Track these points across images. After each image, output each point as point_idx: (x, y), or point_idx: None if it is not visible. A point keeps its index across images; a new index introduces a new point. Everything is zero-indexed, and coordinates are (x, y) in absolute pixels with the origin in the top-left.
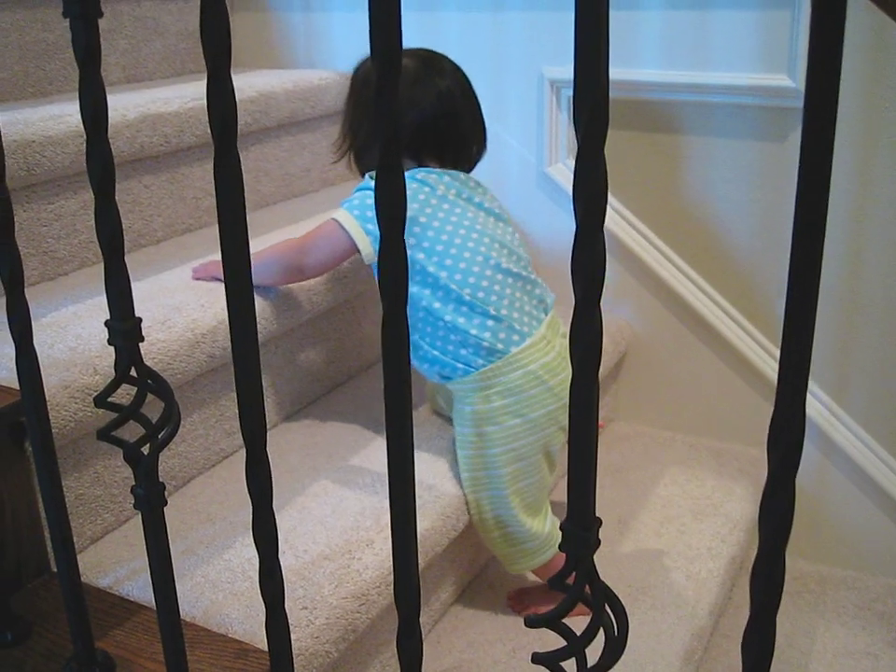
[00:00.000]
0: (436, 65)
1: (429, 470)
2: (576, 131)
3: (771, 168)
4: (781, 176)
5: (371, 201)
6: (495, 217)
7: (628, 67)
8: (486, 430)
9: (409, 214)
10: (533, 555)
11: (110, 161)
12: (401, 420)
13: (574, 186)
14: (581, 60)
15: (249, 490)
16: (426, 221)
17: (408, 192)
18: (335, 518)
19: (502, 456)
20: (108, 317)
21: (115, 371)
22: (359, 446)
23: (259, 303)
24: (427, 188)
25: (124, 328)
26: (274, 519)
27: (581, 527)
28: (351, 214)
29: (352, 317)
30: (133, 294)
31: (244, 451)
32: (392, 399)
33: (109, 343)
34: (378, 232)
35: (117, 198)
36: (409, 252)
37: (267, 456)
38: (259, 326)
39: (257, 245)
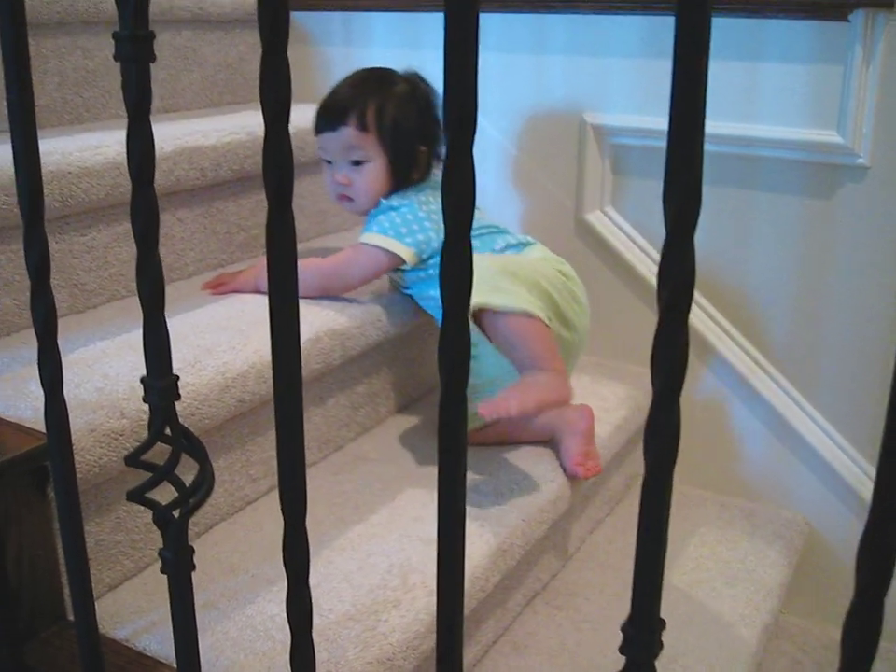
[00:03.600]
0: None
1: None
2: (665, 216)
3: (816, 225)
4: (827, 233)
5: (399, 219)
6: None
7: None
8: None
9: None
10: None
11: (155, 211)
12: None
13: (659, 274)
14: (676, 140)
15: (286, 565)
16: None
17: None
18: (361, 575)
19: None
20: (137, 356)
21: (148, 429)
22: (387, 497)
23: None
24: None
25: (161, 386)
26: (310, 594)
27: (646, 630)
28: (384, 235)
29: (382, 361)
30: None
31: (268, 497)
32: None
33: (144, 401)
34: (415, 238)
35: None
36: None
37: (306, 530)
38: None
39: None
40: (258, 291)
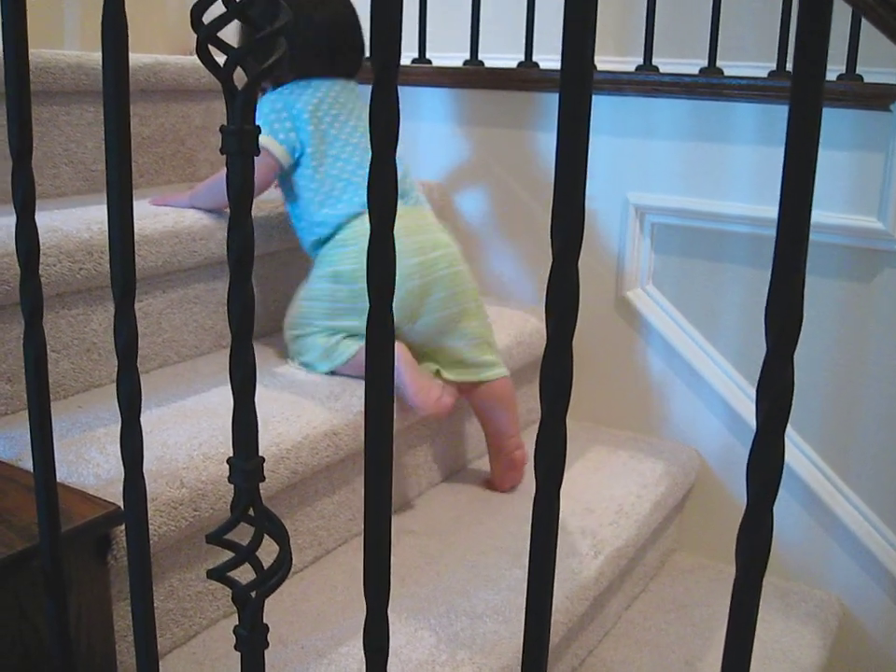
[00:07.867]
0: None
1: (505, 604)
2: (766, 330)
3: (855, 308)
4: (866, 316)
5: (267, 110)
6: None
7: (717, 199)
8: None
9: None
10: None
11: (251, 304)
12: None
13: (760, 385)
14: (781, 263)
15: (366, 649)
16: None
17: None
18: (409, 649)
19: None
20: (193, 424)
21: (231, 509)
22: (433, 570)
23: (342, 417)
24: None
25: (248, 468)
26: None
27: None
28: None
29: (426, 434)
30: (217, 402)
31: (314, 567)
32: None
33: (229, 481)
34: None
35: (204, 297)
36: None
37: (387, 616)
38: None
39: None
40: (192, 207)
